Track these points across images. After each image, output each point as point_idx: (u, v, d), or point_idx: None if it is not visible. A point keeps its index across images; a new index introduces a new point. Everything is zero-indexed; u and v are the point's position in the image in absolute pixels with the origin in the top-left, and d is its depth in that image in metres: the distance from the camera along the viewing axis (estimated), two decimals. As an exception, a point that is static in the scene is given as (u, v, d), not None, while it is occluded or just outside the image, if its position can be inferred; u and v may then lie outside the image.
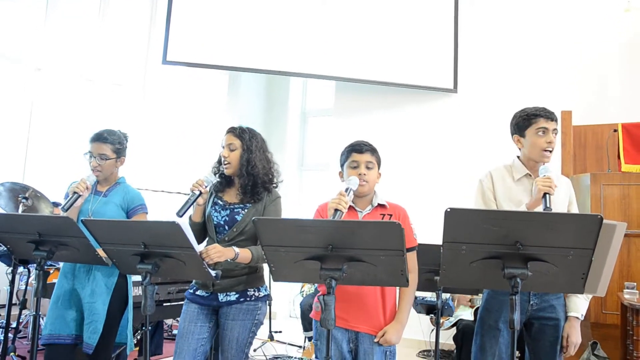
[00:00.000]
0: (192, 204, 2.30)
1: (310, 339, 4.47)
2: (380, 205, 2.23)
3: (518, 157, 2.44)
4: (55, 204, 4.65)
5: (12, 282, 3.31)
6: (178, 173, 6.16)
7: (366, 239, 1.68)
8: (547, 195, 2.08)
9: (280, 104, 7.39)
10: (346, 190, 2.04)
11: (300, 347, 5.05)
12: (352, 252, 1.69)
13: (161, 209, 4.39)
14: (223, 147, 2.44)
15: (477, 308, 4.07)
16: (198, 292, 2.41)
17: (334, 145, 5.63)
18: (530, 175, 2.36)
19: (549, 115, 2.33)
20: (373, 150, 2.23)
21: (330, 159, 5.96)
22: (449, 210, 1.57)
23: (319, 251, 1.71)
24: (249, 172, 2.38)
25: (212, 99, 6.90)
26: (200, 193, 2.33)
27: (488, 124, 5.29)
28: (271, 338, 5.28)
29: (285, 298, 6.55)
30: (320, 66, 5.62)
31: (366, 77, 5.63)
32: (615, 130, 4.44)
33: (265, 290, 2.47)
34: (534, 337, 2.34)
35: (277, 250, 1.76)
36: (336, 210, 1.94)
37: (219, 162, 2.49)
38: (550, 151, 2.32)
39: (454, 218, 1.59)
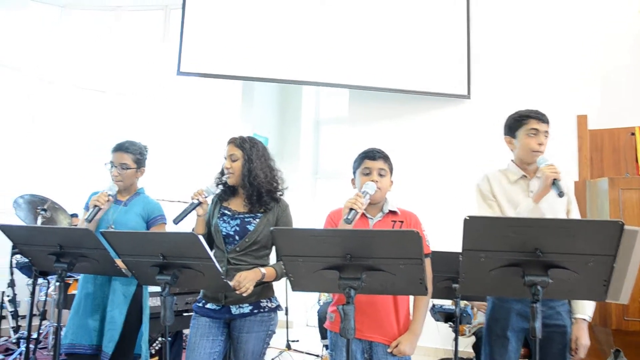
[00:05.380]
0: (189, 212, 2.33)
1: (327, 347, 4.46)
2: (392, 212, 2.22)
3: (512, 160, 2.44)
4: (74, 215, 4.71)
5: (32, 294, 3.35)
6: (193, 183, 6.19)
7: (385, 248, 1.68)
8: (556, 181, 2.09)
9: (294, 112, 7.41)
10: (363, 192, 2.04)
11: (317, 356, 5.03)
12: (370, 261, 1.69)
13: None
14: (225, 158, 2.48)
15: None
16: (208, 306, 2.39)
17: (348, 153, 5.63)
18: (526, 177, 2.36)
19: (541, 117, 2.34)
20: (386, 158, 2.23)
21: (344, 167, 5.94)
22: (468, 218, 1.56)
23: (337, 261, 1.70)
24: (251, 183, 2.40)
25: (226, 108, 6.96)
26: (200, 203, 2.35)
27: (502, 130, 5.25)
28: (288, 347, 5.28)
29: (302, 307, 6.54)
30: (333, 74, 5.64)
31: (379, 85, 5.63)
32: (633, 134, 4.39)
33: (277, 300, 2.47)
34: (542, 344, 2.30)
35: (296, 260, 1.76)
36: (351, 209, 1.94)
37: (222, 173, 2.52)
38: (541, 153, 2.31)
39: (473, 226, 1.58)
